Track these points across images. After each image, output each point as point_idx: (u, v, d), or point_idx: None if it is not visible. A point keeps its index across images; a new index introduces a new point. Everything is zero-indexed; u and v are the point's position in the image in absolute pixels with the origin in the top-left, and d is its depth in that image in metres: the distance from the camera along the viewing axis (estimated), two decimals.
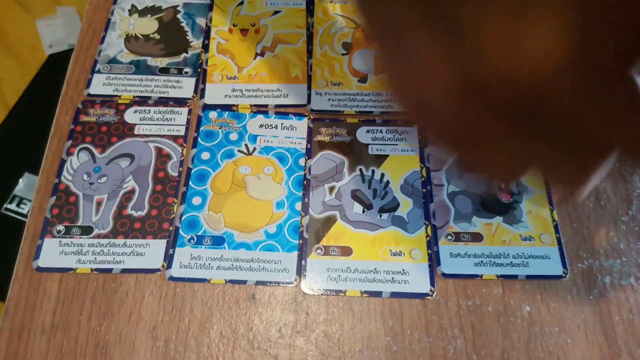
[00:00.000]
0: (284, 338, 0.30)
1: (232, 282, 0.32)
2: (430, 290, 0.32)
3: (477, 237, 0.33)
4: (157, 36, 0.42)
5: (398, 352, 0.30)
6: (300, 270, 0.32)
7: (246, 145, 0.37)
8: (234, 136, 0.37)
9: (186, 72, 0.40)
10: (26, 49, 1.22)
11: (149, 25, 0.43)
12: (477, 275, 0.32)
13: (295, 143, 0.37)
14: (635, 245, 0.33)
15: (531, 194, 0.35)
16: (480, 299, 0.31)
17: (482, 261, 0.32)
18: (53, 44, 1.23)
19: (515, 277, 0.32)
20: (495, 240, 0.33)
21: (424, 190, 0.35)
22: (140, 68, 0.40)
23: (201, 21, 0.43)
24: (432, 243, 0.33)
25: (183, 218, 0.34)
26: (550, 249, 0.33)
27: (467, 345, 0.30)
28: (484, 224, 0.34)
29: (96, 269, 0.32)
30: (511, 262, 0.32)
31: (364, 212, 0.34)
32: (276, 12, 0.43)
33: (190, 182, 0.35)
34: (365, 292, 0.32)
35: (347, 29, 0.43)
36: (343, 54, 0.41)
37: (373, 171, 0.36)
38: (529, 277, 0.32)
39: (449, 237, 0.33)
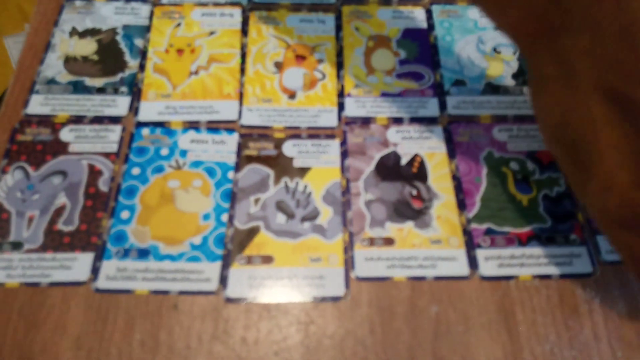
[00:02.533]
0: (203, 344, 0.32)
1: (156, 292, 0.33)
2: (345, 294, 0.33)
3: (389, 242, 0.35)
4: (96, 57, 0.44)
5: (311, 352, 0.31)
6: (223, 280, 0.34)
7: (176, 160, 0.38)
8: (164, 151, 0.39)
9: (122, 92, 0.42)
10: None
11: (88, 47, 0.44)
12: (388, 278, 0.34)
13: (224, 157, 0.39)
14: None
15: (441, 199, 0.37)
16: (390, 301, 0.33)
17: (393, 264, 0.34)
18: (16, 67, 1.24)
19: (423, 278, 0.34)
20: (406, 244, 0.35)
21: (343, 199, 0.37)
22: (77, 88, 0.42)
23: (139, 42, 0.45)
24: (348, 248, 0.35)
25: (111, 232, 0.35)
26: (458, 251, 0.35)
27: (375, 344, 0.32)
28: (396, 229, 0.36)
29: (24, 283, 0.33)
30: (420, 264, 0.34)
31: (287, 221, 0.36)
32: (212, 33, 0.45)
33: (119, 197, 0.37)
34: (284, 297, 0.33)
35: (279, 48, 0.45)
36: (274, 73, 0.44)
37: (297, 182, 0.38)
38: (437, 279, 0.34)
39: (364, 242, 0.35)
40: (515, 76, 0.44)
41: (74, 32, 0.45)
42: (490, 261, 0.35)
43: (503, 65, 0.45)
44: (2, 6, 1.23)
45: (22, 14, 1.18)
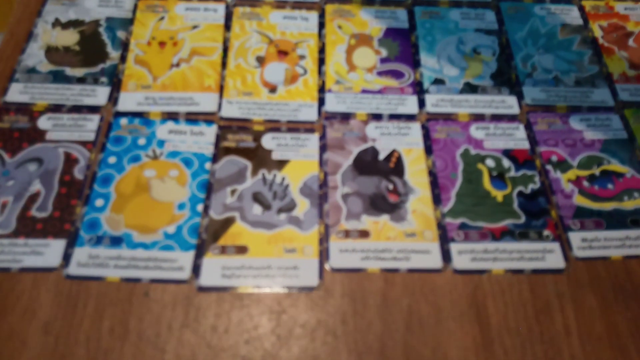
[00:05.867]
0: (173, 332, 0.31)
1: (127, 280, 0.33)
2: (318, 284, 0.33)
3: (364, 234, 0.35)
4: (78, 48, 0.44)
5: (282, 341, 0.31)
6: (196, 269, 0.34)
7: (153, 150, 0.38)
8: (142, 141, 0.39)
9: (102, 82, 0.42)
10: None
11: (70, 38, 0.44)
12: (362, 269, 0.34)
13: (202, 148, 0.39)
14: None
15: (417, 194, 0.37)
16: (363, 292, 0.33)
17: (367, 256, 0.34)
18: None
19: (397, 270, 0.34)
20: (381, 237, 0.35)
21: (320, 192, 0.37)
22: (58, 78, 0.42)
23: (122, 34, 0.45)
24: (323, 240, 0.35)
25: (84, 219, 0.35)
26: (432, 244, 0.35)
27: (347, 335, 0.32)
28: (372, 222, 0.36)
29: None
30: (394, 257, 0.34)
31: (263, 212, 0.36)
32: (195, 27, 0.46)
33: (94, 185, 0.36)
34: (256, 287, 0.33)
35: (261, 43, 0.45)
36: (256, 67, 0.44)
37: (275, 175, 0.38)
38: (410, 271, 0.34)
39: (340, 234, 0.35)
40: (493, 76, 0.45)
41: (56, 22, 0.45)
42: (464, 255, 0.35)
43: (482, 65, 0.45)
44: None
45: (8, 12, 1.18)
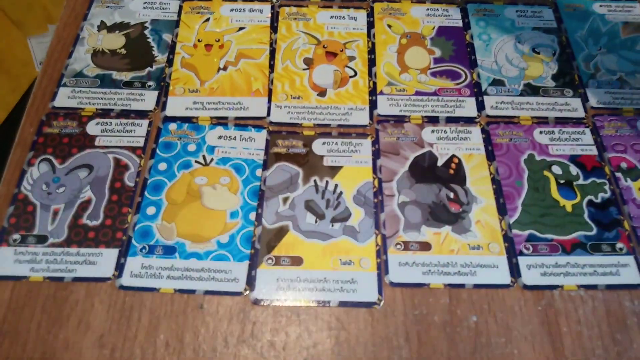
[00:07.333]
0: (229, 347, 0.30)
1: (181, 291, 0.32)
2: (378, 299, 0.32)
3: (425, 247, 0.33)
4: (124, 51, 0.43)
5: (343, 359, 0.30)
6: (250, 280, 0.32)
7: (203, 156, 0.37)
8: (192, 147, 0.38)
9: (149, 86, 0.41)
10: (18, 65, 1.24)
11: (116, 41, 0.44)
12: (424, 284, 0.32)
13: (253, 154, 0.38)
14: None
15: (480, 203, 0.35)
16: (426, 308, 0.31)
17: (429, 270, 0.33)
18: (44, 60, 1.25)
19: (462, 286, 0.32)
20: (444, 250, 0.33)
21: (375, 200, 0.36)
22: (105, 82, 0.41)
23: (167, 37, 0.44)
24: (381, 252, 0.33)
25: (136, 228, 0.34)
26: (499, 258, 0.33)
27: (412, 354, 0.30)
28: (433, 234, 0.34)
29: (48, 277, 0.33)
30: (459, 271, 0.33)
31: (316, 222, 0.35)
32: (241, 29, 0.44)
33: (145, 193, 0.35)
34: (314, 301, 0.32)
35: (308, 45, 0.44)
36: (304, 69, 0.42)
37: (327, 182, 0.37)
38: (477, 287, 0.32)
39: (398, 246, 0.34)
40: (555, 77, 0.42)
41: (102, 26, 0.45)
42: (533, 269, 0.33)
43: (543, 65, 0.43)
44: (27, 8, 1.24)
45: (46, 15, 1.19)
